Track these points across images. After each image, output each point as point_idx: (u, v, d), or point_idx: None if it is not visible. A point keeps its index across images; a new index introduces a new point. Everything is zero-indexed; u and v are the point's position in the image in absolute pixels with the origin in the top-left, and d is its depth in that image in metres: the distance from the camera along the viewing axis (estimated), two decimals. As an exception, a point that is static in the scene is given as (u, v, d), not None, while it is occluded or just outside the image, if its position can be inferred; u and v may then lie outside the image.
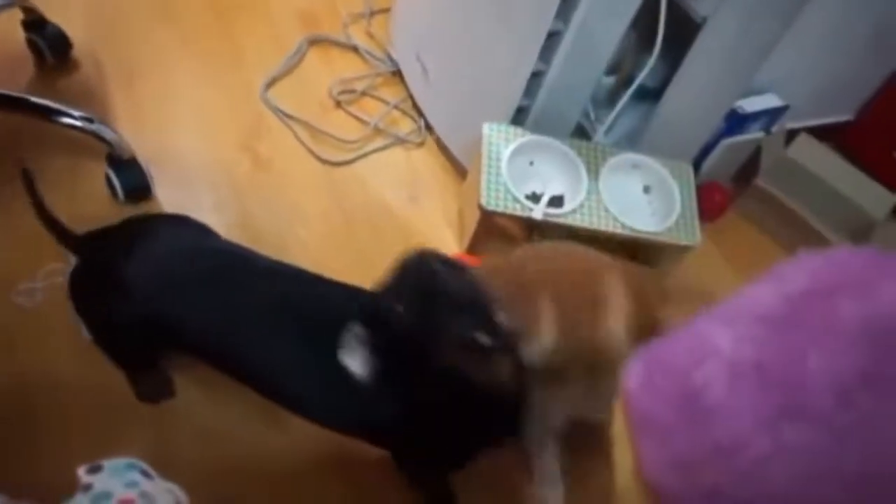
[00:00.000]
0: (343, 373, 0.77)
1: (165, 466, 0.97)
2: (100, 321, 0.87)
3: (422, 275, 0.76)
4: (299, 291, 0.86)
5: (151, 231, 0.90)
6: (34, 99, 1.19)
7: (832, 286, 0.34)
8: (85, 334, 1.05)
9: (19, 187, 1.19)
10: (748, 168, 1.42)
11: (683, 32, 1.13)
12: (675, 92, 1.19)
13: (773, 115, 1.35)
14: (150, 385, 1.03)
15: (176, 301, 0.82)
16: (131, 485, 0.56)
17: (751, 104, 1.31)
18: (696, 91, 1.19)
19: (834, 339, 0.32)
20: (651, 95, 1.27)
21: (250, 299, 0.83)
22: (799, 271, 0.37)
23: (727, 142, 1.35)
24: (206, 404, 1.05)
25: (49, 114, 1.18)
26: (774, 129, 1.39)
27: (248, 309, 0.83)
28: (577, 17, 1.05)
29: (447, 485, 1.00)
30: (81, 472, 0.57)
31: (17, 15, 1.32)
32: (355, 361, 0.75)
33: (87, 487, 0.55)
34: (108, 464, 0.57)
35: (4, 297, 1.08)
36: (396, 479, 1.03)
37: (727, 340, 0.34)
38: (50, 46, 1.34)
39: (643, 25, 1.13)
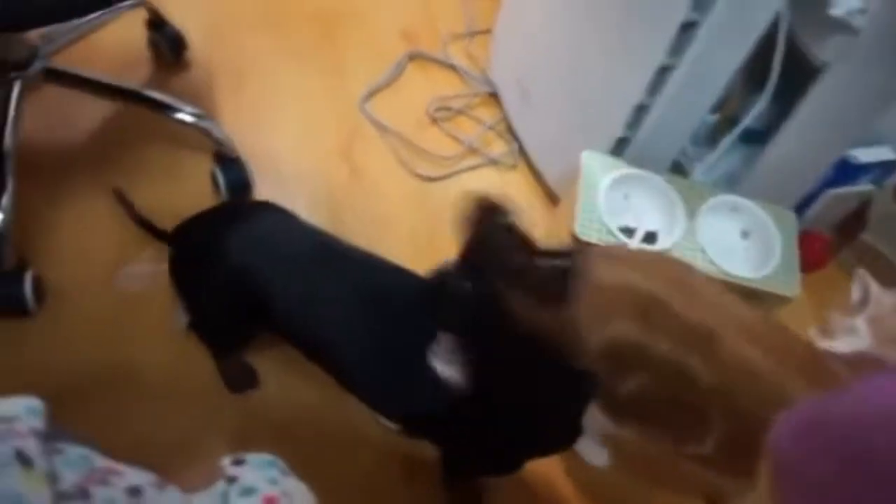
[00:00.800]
0: (412, 361, 0.79)
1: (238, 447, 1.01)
2: (196, 294, 0.91)
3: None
4: (379, 278, 0.88)
5: (240, 213, 0.95)
6: (153, 93, 1.25)
7: None
8: (179, 322, 1.09)
9: (127, 178, 1.26)
10: (852, 220, 1.36)
11: (799, 76, 1.09)
12: (785, 136, 1.15)
13: (886, 168, 1.29)
14: (237, 374, 1.06)
15: (266, 271, 0.85)
16: (273, 482, 0.57)
17: (864, 155, 1.26)
18: (808, 137, 1.15)
19: None
20: (754, 137, 1.24)
21: (332, 279, 0.86)
22: None
23: (834, 192, 1.30)
24: (286, 401, 1.07)
25: (165, 108, 1.24)
26: (886, 182, 1.33)
27: (328, 287, 0.85)
28: (691, 53, 1.03)
29: (479, 486, 1.01)
30: (226, 462, 0.58)
31: (142, 14, 1.40)
32: (448, 369, 0.75)
33: (233, 479, 0.56)
34: (250, 458, 0.58)
35: (110, 279, 1.13)
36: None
37: None
38: (168, 46, 1.41)
39: (753, 65, 1.11)
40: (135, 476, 0.48)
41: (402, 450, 1.05)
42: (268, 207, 0.97)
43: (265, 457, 0.60)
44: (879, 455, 0.30)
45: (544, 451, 0.90)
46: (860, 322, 0.92)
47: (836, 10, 0.97)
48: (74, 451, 0.46)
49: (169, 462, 0.97)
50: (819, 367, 0.81)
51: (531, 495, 1.07)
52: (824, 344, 0.94)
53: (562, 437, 0.85)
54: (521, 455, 0.89)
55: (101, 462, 0.47)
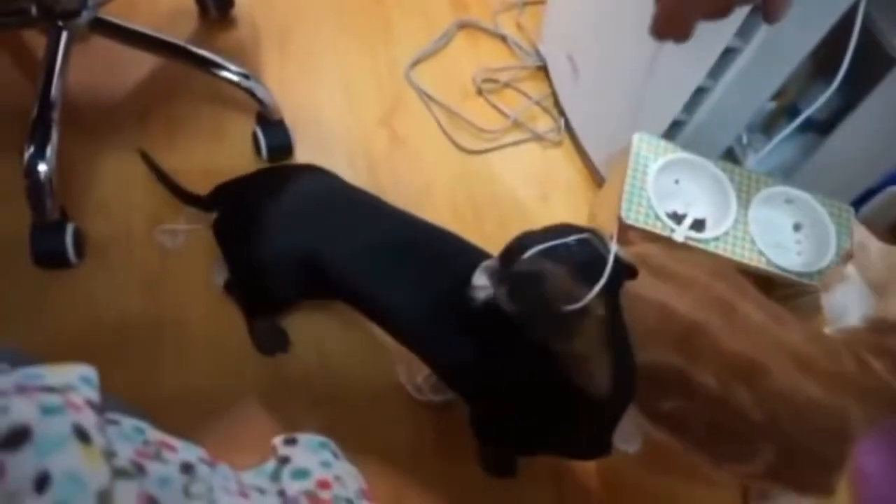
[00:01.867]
0: (450, 310, 0.81)
1: (271, 419, 1.01)
2: (246, 262, 0.90)
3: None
4: (420, 235, 0.89)
5: (287, 175, 0.94)
6: (198, 50, 1.23)
7: None
8: (217, 280, 1.09)
9: (169, 134, 1.25)
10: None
11: (870, 66, 1.04)
12: (849, 128, 1.10)
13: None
14: (268, 337, 1.05)
15: (313, 233, 0.86)
16: (325, 465, 0.56)
17: (931, 152, 1.20)
18: (873, 131, 1.10)
19: None
20: (814, 127, 1.19)
21: (377, 236, 0.87)
22: None
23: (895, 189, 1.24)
24: (321, 367, 1.07)
25: (210, 66, 1.22)
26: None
27: (374, 243, 0.86)
28: (760, 36, 0.98)
29: (512, 455, 1.02)
30: (278, 441, 0.57)
31: (189, -33, 1.38)
32: (479, 285, 0.76)
33: (285, 460, 0.56)
34: (302, 438, 0.57)
35: (149, 234, 1.13)
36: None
37: None
38: (215, 2, 1.39)
39: (819, 51, 1.05)
40: (187, 451, 0.47)
41: (437, 425, 1.05)
42: (313, 171, 0.96)
43: (318, 438, 0.59)
44: None
45: (568, 453, 0.90)
46: (850, 269, 0.93)
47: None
48: (129, 423, 0.45)
49: (203, 421, 1.00)
50: (877, 388, 0.78)
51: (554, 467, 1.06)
52: (823, 297, 0.95)
53: (588, 446, 0.85)
54: (541, 442, 0.89)
55: (154, 434, 0.46)
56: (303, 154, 1.26)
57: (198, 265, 1.11)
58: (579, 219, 1.30)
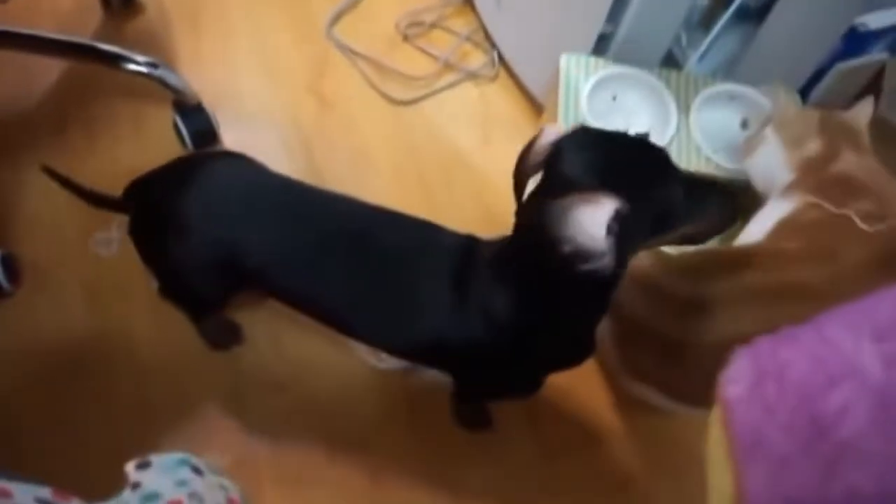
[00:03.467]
0: (428, 294, 0.75)
1: (236, 415, 0.99)
2: (163, 264, 0.86)
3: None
4: (364, 220, 0.82)
5: (200, 165, 0.86)
6: (99, 45, 1.17)
7: None
8: (152, 285, 1.06)
9: (89, 138, 1.20)
10: (866, 95, 1.25)
11: (796, -62, 0.97)
12: (783, 9, 1.04)
13: (901, 32, 1.17)
14: (218, 332, 1.03)
15: (237, 231, 0.80)
16: (181, 483, 0.53)
17: (875, 20, 1.13)
18: (809, 7, 1.04)
19: None
20: (754, 15, 1.12)
21: (314, 226, 0.81)
22: None
23: (843, 65, 1.18)
24: (278, 354, 1.04)
25: (115, 60, 1.16)
26: (902, 48, 1.21)
27: (312, 235, 0.80)
28: (670, -74, 0.92)
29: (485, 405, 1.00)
30: (130, 467, 0.54)
31: (83, -41, 1.30)
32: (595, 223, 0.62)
33: (136, 486, 0.53)
34: (157, 460, 0.54)
35: (83, 246, 1.10)
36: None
37: (874, 360, 0.25)
38: (116, -10, 1.32)
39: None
40: (25, 495, 0.44)
41: (405, 393, 1.03)
42: (229, 158, 0.90)
43: (175, 456, 0.55)
44: (828, 416, 0.24)
45: (560, 367, 0.86)
46: (769, 131, 0.96)
47: None
48: None
49: (167, 428, 0.98)
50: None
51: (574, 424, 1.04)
52: (748, 164, 0.99)
53: (580, 351, 0.80)
54: (542, 374, 0.86)
55: None
56: (230, 135, 1.21)
57: (136, 269, 1.07)
58: (525, 153, 1.25)
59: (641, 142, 0.70)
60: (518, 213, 0.74)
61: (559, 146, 0.69)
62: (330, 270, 0.79)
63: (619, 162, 0.67)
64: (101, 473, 0.53)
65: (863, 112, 0.96)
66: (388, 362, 1.02)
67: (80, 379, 1.00)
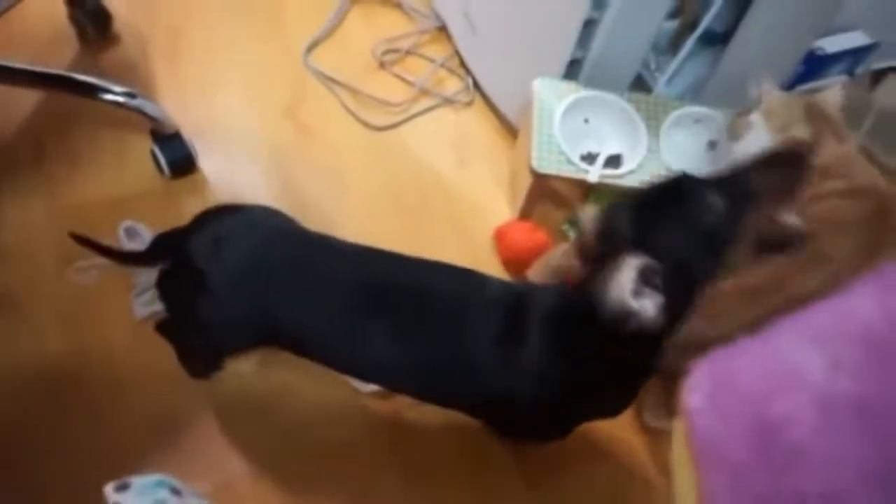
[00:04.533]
0: (476, 350, 0.75)
1: (219, 438, 0.99)
2: (191, 320, 0.84)
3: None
4: (407, 276, 0.81)
5: (233, 221, 0.84)
6: (76, 76, 1.18)
7: None
8: (138, 313, 1.06)
9: (68, 168, 1.20)
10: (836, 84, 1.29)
11: (755, -33, 1.02)
12: (745, 34, 1.08)
13: (858, 54, 1.21)
14: (200, 363, 1.02)
15: (274, 297, 0.78)
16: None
17: (833, 44, 1.18)
18: (769, 32, 1.08)
19: None
20: (719, 40, 1.16)
21: (342, 288, 0.79)
22: None
23: (804, 87, 1.23)
24: (260, 377, 1.04)
25: (92, 91, 1.17)
26: (859, 70, 1.25)
27: (353, 297, 0.78)
28: (634, -44, 0.95)
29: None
30: (109, 489, 0.55)
31: (58, -12, 1.31)
32: (646, 304, 0.63)
33: None
34: (136, 481, 0.55)
35: (62, 275, 1.09)
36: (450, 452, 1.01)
37: (817, 367, 0.27)
38: (91, 21, 1.33)
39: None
40: None
41: (388, 417, 1.03)
42: (260, 213, 0.87)
43: (153, 478, 0.56)
44: (777, 423, 0.26)
45: (602, 417, 0.88)
46: (755, 117, 0.98)
47: None
48: None
49: (151, 454, 0.97)
50: None
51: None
52: (733, 145, 1.01)
53: (624, 402, 0.82)
54: (582, 422, 0.87)
55: None
56: (209, 163, 1.22)
57: (116, 298, 1.07)
58: (501, 178, 1.27)
59: (661, 185, 0.72)
60: (575, 282, 0.75)
61: (606, 224, 0.70)
62: (373, 333, 0.78)
63: (647, 215, 0.68)
64: (79, 496, 0.53)
65: (831, 98, 0.99)
66: (370, 386, 1.03)
67: (58, 404, 0.99)
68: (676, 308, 0.64)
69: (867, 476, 0.25)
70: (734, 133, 1.03)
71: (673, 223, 0.67)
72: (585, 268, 0.73)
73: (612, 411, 0.82)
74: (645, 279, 0.62)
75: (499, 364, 0.75)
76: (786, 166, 0.71)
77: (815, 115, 0.96)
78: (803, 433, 0.27)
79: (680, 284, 0.64)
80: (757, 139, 0.98)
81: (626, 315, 0.63)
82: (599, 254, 0.70)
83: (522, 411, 0.80)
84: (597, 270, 0.67)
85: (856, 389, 0.26)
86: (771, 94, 0.98)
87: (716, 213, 0.67)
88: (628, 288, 0.62)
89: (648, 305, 0.62)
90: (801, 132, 0.95)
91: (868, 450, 0.25)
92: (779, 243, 0.74)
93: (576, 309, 0.73)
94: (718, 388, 0.31)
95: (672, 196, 0.70)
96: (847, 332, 0.28)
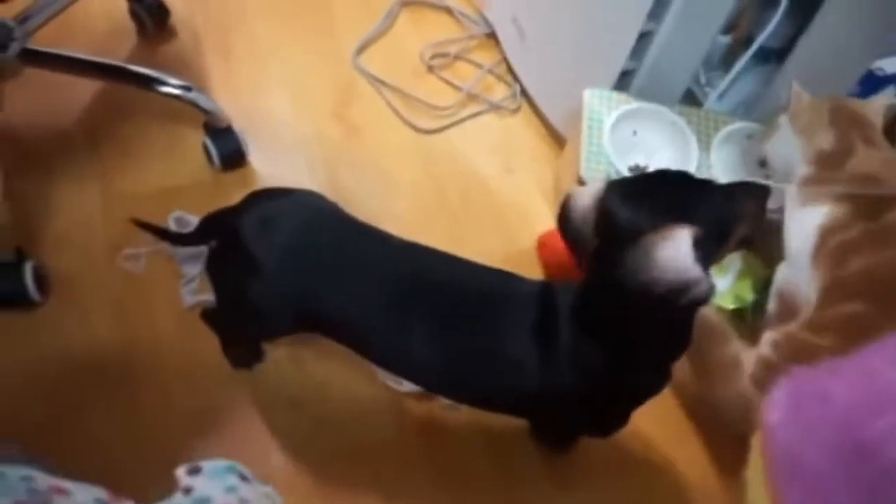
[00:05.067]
0: (514, 349, 0.75)
1: (258, 430, 1.00)
2: (237, 302, 0.85)
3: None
4: (435, 270, 0.82)
5: (280, 204, 0.85)
6: (134, 67, 1.21)
7: None
8: (186, 301, 1.08)
9: (121, 157, 1.23)
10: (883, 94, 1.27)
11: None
12: (803, 53, 1.07)
13: (916, 76, 1.20)
14: (242, 352, 1.04)
15: (318, 281, 0.79)
16: (230, 490, 0.54)
17: (891, 65, 1.16)
18: (827, 52, 1.07)
19: None
20: (772, 57, 1.16)
21: (384, 277, 0.80)
22: None
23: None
24: (298, 371, 1.06)
25: (149, 82, 1.20)
26: (915, 92, 1.23)
27: (394, 288, 0.79)
28: (694, -30, 0.95)
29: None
30: (181, 472, 0.56)
31: (120, -16, 1.35)
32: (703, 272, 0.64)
33: (188, 490, 0.54)
34: (207, 465, 0.56)
35: (112, 261, 1.12)
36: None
37: None
38: (150, 15, 1.36)
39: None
40: (82, 494, 0.46)
41: (421, 418, 1.04)
42: (308, 197, 0.88)
43: (223, 463, 0.57)
44: (872, 444, 0.26)
45: (643, 401, 0.86)
46: (783, 119, 1.01)
47: None
48: (14, 474, 0.44)
49: (190, 443, 0.99)
50: None
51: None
52: (763, 146, 1.05)
53: (662, 382, 0.81)
54: (628, 412, 0.85)
55: (44, 482, 0.45)
56: (258, 158, 1.24)
57: (164, 286, 1.09)
58: (545, 185, 1.28)
59: (665, 173, 0.74)
60: (589, 269, 0.75)
61: (605, 203, 0.70)
62: (413, 325, 0.78)
63: (664, 196, 0.69)
64: (125, 480, 0.54)
65: (878, 104, 0.99)
66: (406, 385, 1.03)
67: (104, 389, 1.01)
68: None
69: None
70: (765, 135, 1.04)
71: (689, 202, 0.68)
72: (588, 252, 0.74)
73: (651, 391, 0.81)
74: (698, 247, 0.62)
75: (539, 363, 0.76)
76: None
77: (841, 118, 0.96)
78: (897, 457, 0.26)
79: (707, 258, 0.65)
80: (784, 141, 1.00)
81: (687, 285, 0.62)
82: (617, 237, 0.69)
83: (565, 408, 0.80)
84: (618, 251, 0.67)
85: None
86: (800, 95, 0.99)
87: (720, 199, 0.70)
88: (689, 257, 0.62)
89: (705, 273, 0.63)
90: (828, 138, 0.95)
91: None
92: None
93: (600, 293, 0.73)
94: (803, 403, 0.31)
95: (678, 182, 0.72)
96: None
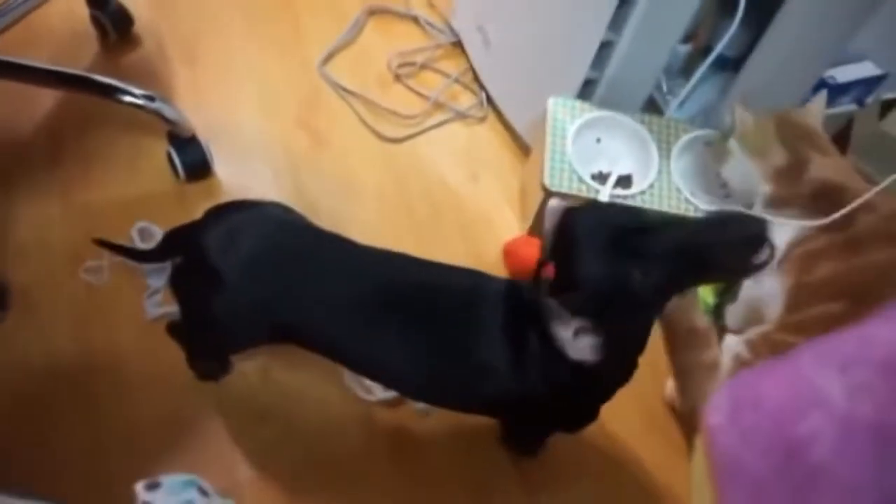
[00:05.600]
0: (484, 352, 0.77)
1: (224, 443, 0.99)
2: (203, 316, 0.84)
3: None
4: (404, 274, 0.83)
5: (244, 217, 0.85)
6: (96, 77, 1.19)
7: None
8: (150, 314, 1.07)
9: (84, 168, 1.22)
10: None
11: (769, -5, 1.03)
12: (758, 61, 1.10)
13: (868, 84, 1.23)
14: (209, 365, 1.03)
15: (286, 292, 0.79)
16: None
17: (843, 73, 1.20)
18: (782, 60, 1.09)
19: None
20: (731, 65, 1.18)
21: (353, 284, 0.80)
22: None
23: (814, 115, 1.24)
24: (265, 382, 1.05)
25: (112, 92, 1.18)
26: (869, 100, 1.27)
27: (352, 293, 0.80)
28: (652, -18, 0.97)
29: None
30: (140, 487, 0.55)
31: (82, -10, 1.33)
32: (582, 347, 0.70)
33: None
34: (166, 480, 0.56)
35: (74, 273, 1.10)
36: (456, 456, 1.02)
37: (838, 390, 0.28)
38: (112, 22, 1.34)
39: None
40: None
41: (392, 427, 1.04)
42: (271, 209, 0.88)
43: (182, 477, 0.57)
44: (800, 443, 0.27)
45: (610, 397, 0.87)
46: (733, 143, 1.03)
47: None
48: None
49: (152, 453, 0.98)
50: None
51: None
52: (722, 171, 1.07)
53: (627, 376, 0.82)
54: (596, 407, 0.87)
55: None
56: (223, 168, 1.23)
57: (127, 298, 1.08)
58: (511, 193, 1.29)
59: (631, 210, 0.76)
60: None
61: (566, 226, 0.73)
62: (385, 330, 0.79)
63: (620, 238, 0.70)
64: (87, 495, 0.54)
65: (814, 109, 1.02)
66: (375, 394, 1.03)
67: (65, 404, 1.00)
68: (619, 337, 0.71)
69: (890, 500, 0.25)
70: (717, 158, 1.07)
71: (648, 244, 0.69)
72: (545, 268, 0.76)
73: (619, 384, 0.82)
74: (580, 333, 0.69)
75: (509, 366, 0.77)
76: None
77: (787, 133, 0.99)
78: (825, 454, 0.27)
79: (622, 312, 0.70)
80: (738, 163, 1.03)
81: (581, 364, 0.71)
82: (555, 257, 0.73)
83: (535, 408, 0.82)
84: (549, 282, 0.73)
85: (876, 416, 0.27)
86: (743, 117, 1.02)
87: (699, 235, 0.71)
88: (568, 339, 0.70)
89: (586, 348, 0.69)
90: (779, 155, 0.98)
91: (889, 477, 0.26)
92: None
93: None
94: (741, 406, 0.32)
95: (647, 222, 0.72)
96: (869, 359, 0.28)
